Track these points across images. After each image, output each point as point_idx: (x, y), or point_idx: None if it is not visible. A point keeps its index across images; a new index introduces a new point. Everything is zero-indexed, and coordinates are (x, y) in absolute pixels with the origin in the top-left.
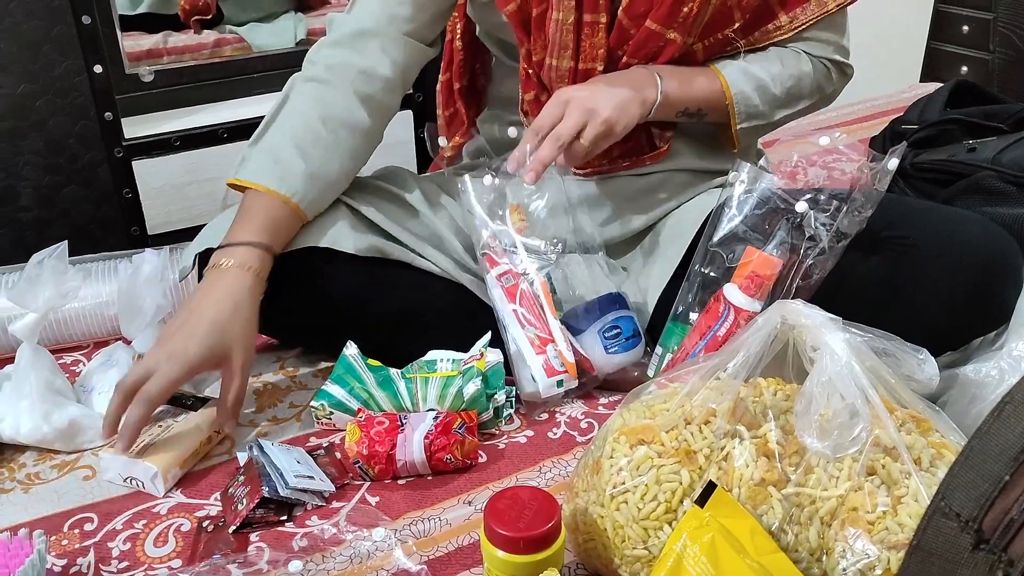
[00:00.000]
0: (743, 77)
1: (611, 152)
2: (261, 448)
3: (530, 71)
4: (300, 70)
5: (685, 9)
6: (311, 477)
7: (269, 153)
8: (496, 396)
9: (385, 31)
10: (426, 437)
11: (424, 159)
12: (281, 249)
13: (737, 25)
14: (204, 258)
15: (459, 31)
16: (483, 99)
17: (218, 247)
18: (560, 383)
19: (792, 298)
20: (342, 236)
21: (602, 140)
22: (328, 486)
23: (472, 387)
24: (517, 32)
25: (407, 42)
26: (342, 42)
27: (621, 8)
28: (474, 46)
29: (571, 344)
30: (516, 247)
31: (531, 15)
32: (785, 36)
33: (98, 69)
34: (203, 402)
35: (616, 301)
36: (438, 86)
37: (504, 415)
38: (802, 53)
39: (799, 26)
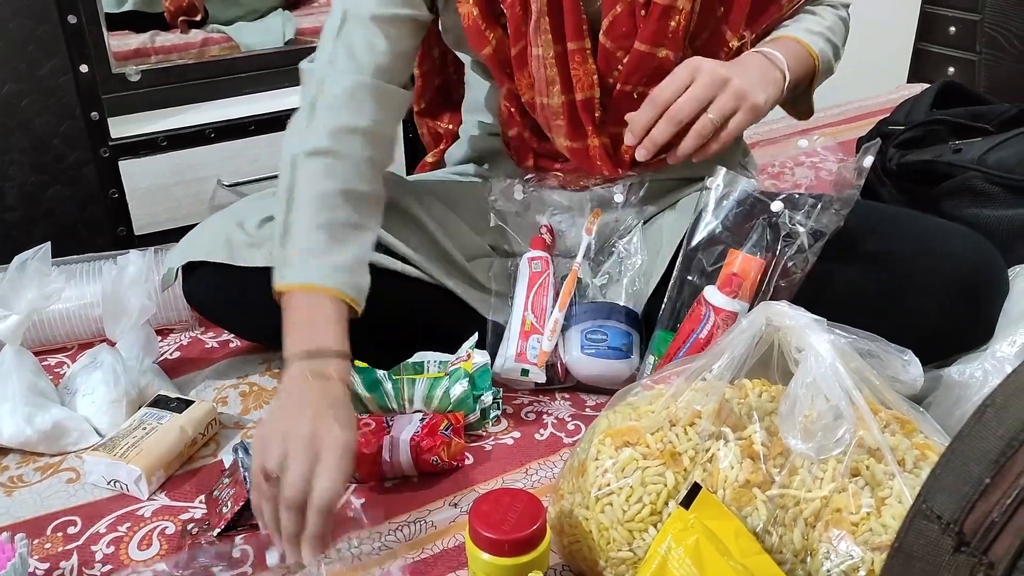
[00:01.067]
0: (814, 36)
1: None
2: (246, 450)
3: (512, 109)
4: (287, 69)
5: (672, 23)
6: None
7: (294, 241)
8: (483, 397)
9: (376, 85)
10: (412, 438)
11: (413, 161)
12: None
13: (744, 32)
14: (186, 269)
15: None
16: (458, 109)
17: (303, 353)
18: (525, 372)
19: (774, 299)
20: None
21: (743, 128)
22: None
23: (459, 388)
24: (496, 74)
25: (397, 92)
26: (337, 105)
27: (601, 32)
28: (435, 69)
29: (555, 343)
30: (579, 247)
31: (510, 55)
32: (797, 6)
33: (84, 68)
34: (187, 404)
35: (619, 313)
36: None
37: (491, 416)
38: (827, 6)
39: None
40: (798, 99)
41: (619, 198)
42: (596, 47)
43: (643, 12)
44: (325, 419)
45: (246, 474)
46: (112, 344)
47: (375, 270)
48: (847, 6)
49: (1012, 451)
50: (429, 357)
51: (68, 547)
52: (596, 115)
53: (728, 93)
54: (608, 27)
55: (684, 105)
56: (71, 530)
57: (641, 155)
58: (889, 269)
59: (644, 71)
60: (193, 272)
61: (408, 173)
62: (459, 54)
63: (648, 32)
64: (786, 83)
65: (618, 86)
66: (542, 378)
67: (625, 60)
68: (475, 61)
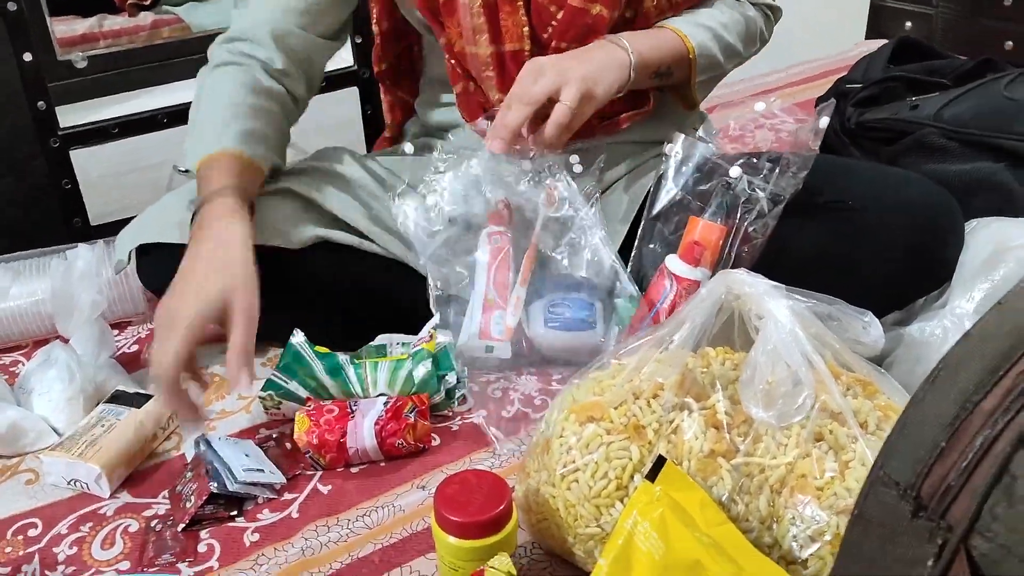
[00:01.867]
0: (698, 29)
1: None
2: (208, 443)
3: (453, 61)
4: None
5: None
6: (260, 470)
7: (200, 130)
8: (447, 377)
9: (278, 24)
10: (376, 423)
11: (372, 138)
12: (252, 198)
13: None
14: (140, 252)
15: (375, 15)
16: (419, 82)
17: (194, 211)
18: (490, 348)
19: (735, 265)
20: (285, 230)
21: (585, 104)
22: (279, 478)
23: (422, 369)
24: (430, 21)
25: (303, 36)
26: (237, 37)
27: None
28: (398, 30)
29: (519, 318)
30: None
31: (438, 2)
32: None
33: (27, 57)
34: (146, 398)
35: (581, 285)
36: (378, 74)
37: (456, 396)
38: (748, 3)
39: None
40: (681, 89)
41: (577, 168)
42: (529, 1)
43: None
44: (178, 294)
45: (209, 467)
46: (66, 341)
47: (333, 246)
48: (770, 7)
49: (966, 413)
50: (392, 339)
51: (29, 550)
52: None
53: (573, 83)
54: None
55: (537, 91)
56: (32, 532)
57: (497, 147)
58: (845, 219)
59: (578, 28)
60: (147, 255)
61: (368, 150)
62: (408, 17)
63: None
64: (632, 66)
65: (552, 43)
66: (507, 354)
67: (559, 16)
68: (423, 23)
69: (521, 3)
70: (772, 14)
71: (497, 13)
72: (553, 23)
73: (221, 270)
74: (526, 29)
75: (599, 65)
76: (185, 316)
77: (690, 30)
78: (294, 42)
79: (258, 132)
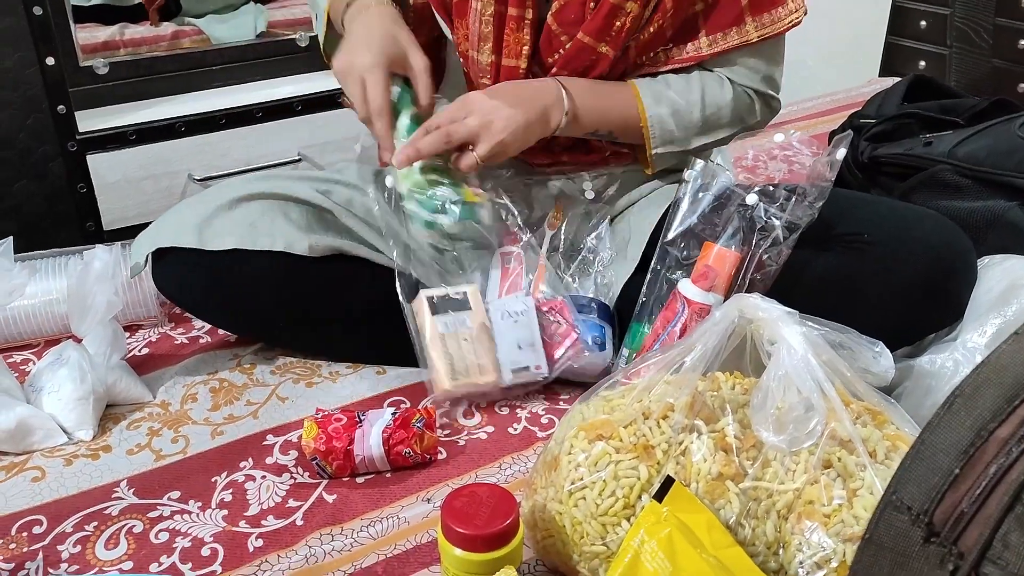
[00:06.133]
0: (661, 101)
1: (576, 148)
2: None
3: (462, 60)
4: (259, 62)
5: (617, 23)
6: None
7: None
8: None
9: None
10: (384, 431)
11: None
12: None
13: (670, 45)
14: (155, 256)
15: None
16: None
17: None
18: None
19: (748, 291)
20: (298, 237)
21: (494, 159)
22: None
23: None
24: (442, 17)
25: None
26: None
27: (551, 12)
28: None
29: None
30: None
31: (452, 2)
32: (706, 57)
33: (50, 61)
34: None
35: (591, 307)
36: None
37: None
38: (725, 80)
39: (719, 51)
40: (636, 149)
41: (589, 194)
42: (540, 24)
43: (592, 5)
44: (358, 49)
45: None
46: (78, 341)
47: (347, 258)
48: (763, 96)
49: (981, 441)
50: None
51: (33, 547)
52: None
53: (487, 139)
54: (557, 10)
55: (457, 135)
56: (36, 529)
57: (398, 159)
58: (860, 254)
59: (582, 61)
60: (162, 259)
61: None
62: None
63: (594, 26)
64: (560, 125)
65: (554, 69)
66: (545, 371)
67: (567, 46)
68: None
69: (528, 23)
70: (768, 102)
71: (505, 27)
72: (561, 51)
73: (389, 30)
74: (527, 48)
75: (524, 121)
76: (369, 60)
77: (651, 100)
78: None
79: None
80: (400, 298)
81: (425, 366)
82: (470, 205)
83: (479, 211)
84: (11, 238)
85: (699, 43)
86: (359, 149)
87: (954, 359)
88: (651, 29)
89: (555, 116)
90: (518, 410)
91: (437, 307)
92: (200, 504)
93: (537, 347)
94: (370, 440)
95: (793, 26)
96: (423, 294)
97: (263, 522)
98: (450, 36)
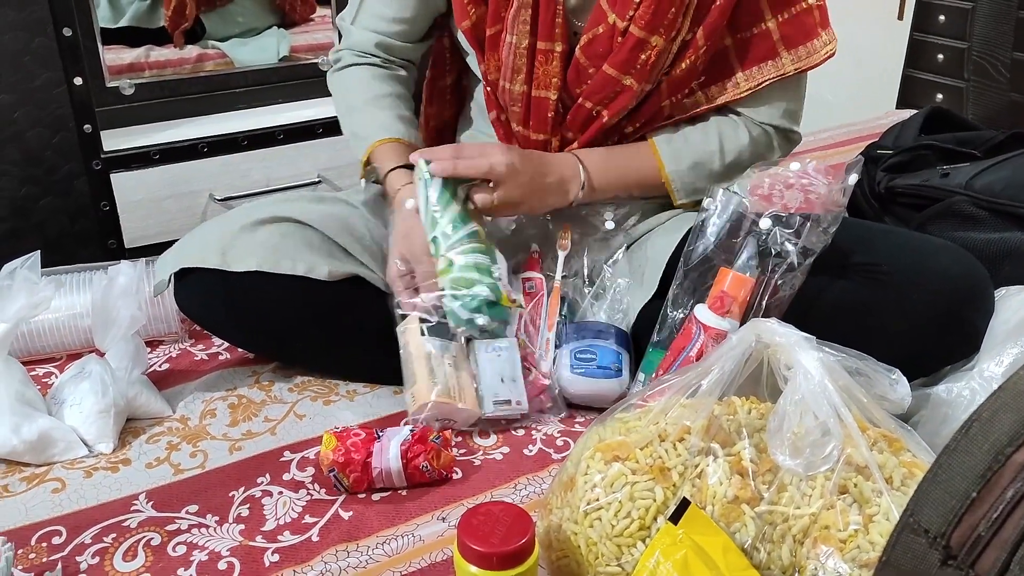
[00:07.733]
0: (681, 158)
1: None
2: None
3: (488, 89)
4: (281, 86)
5: (643, 56)
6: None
7: (361, 123)
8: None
9: (382, 39)
10: (402, 444)
11: None
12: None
13: (703, 79)
14: (178, 275)
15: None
16: (465, 103)
17: (384, 173)
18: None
19: (763, 316)
20: (318, 262)
21: (504, 208)
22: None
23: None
24: (474, 49)
25: (402, 45)
26: (350, 48)
27: (580, 45)
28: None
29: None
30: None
31: (485, 35)
32: (743, 95)
33: (78, 81)
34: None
35: (609, 332)
36: (425, 83)
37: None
38: (741, 124)
39: (755, 86)
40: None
41: (610, 224)
42: (570, 55)
43: (620, 38)
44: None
45: None
46: (101, 354)
47: (366, 281)
48: (783, 131)
49: (998, 465)
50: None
51: (52, 557)
52: (550, 115)
53: (516, 181)
54: (586, 44)
55: (496, 169)
56: (56, 540)
57: (435, 168)
58: (877, 284)
59: (607, 93)
60: (185, 279)
61: None
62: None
63: (619, 59)
64: (574, 200)
65: (580, 99)
66: (525, 408)
67: (595, 77)
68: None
69: (558, 56)
70: (788, 136)
71: (535, 59)
72: (588, 82)
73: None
74: (556, 79)
75: (543, 184)
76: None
77: (670, 157)
78: (397, 50)
79: (405, 117)
80: (395, 319)
81: (407, 384)
82: (504, 308)
83: (509, 315)
84: (38, 252)
85: (736, 78)
86: (411, 205)
87: (971, 388)
88: (683, 65)
89: (573, 188)
90: (533, 432)
91: (428, 330)
92: (217, 518)
93: (518, 383)
94: (388, 454)
95: (828, 57)
96: (416, 314)
97: (279, 537)
98: (476, 70)
